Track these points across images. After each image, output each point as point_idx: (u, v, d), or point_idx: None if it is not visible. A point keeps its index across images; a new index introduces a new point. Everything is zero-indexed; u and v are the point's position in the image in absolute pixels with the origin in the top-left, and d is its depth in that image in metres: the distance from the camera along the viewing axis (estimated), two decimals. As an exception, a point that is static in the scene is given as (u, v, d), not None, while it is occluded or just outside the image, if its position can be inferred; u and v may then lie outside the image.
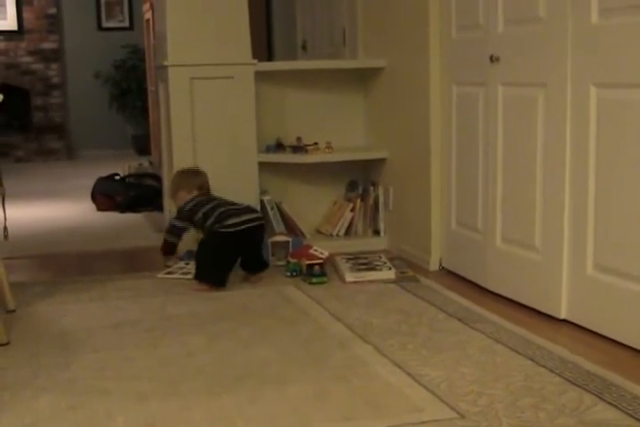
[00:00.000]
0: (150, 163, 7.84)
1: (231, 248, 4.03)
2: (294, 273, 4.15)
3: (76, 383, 2.78)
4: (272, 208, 4.79)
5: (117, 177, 6.93)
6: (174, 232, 4.20)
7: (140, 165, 7.44)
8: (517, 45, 3.54)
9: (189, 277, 4.16)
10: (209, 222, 4.03)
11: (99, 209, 6.56)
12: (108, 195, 6.59)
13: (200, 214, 4.07)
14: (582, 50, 3.15)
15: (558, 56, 3.26)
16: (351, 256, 4.37)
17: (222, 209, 4.05)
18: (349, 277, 4.03)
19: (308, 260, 4.11)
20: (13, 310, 3.66)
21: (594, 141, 3.13)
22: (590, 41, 3.10)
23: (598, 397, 2.56)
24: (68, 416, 2.51)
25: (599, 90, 3.08)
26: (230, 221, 3.99)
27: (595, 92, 3.10)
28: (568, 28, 3.20)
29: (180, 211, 4.19)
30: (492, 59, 3.69)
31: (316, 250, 4.26)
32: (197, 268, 4.04)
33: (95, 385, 2.76)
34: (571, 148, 3.26)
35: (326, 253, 4.23)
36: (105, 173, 7.09)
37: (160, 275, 4.26)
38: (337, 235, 4.93)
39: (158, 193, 5.91)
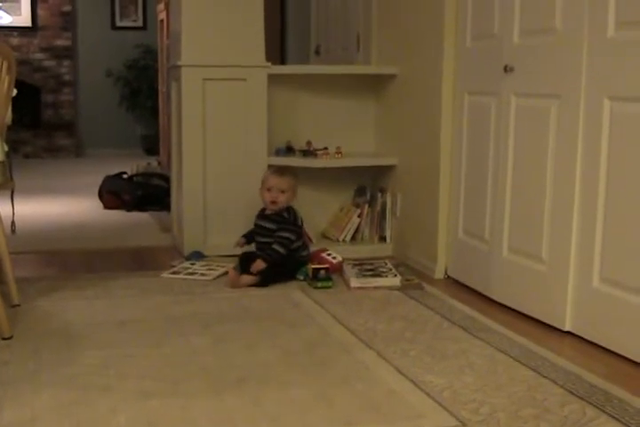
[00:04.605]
0: (158, 163, 7.86)
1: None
2: (308, 276, 4.14)
3: (78, 380, 2.78)
4: (279, 211, 4.80)
5: (125, 176, 6.94)
6: (287, 245, 4.20)
7: (149, 164, 7.46)
8: (532, 56, 3.53)
9: (195, 277, 4.19)
10: (297, 244, 4.23)
11: (105, 207, 6.58)
12: (115, 193, 6.60)
13: (297, 232, 4.27)
14: (597, 62, 3.15)
15: (573, 68, 3.26)
16: (357, 262, 4.37)
17: (303, 239, 4.33)
18: (355, 282, 4.03)
19: (313, 264, 4.11)
20: (18, 305, 3.66)
21: (605, 154, 3.13)
22: (606, 54, 3.10)
23: (601, 409, 2.55)
24: (70, 412, 2.51)
25: (613, 103, 3.08)
26: (305, 253, 4.29)
27: (608, 105, 3.10)
28: (584, 41, 3.20)
29: (293, 223, 4.25)
30: (506, 69, 3.68)
31: (329, 254, 4.28)
32: (269, 273, 4.10)
33: (97, 382, 2.76)
34: (581, 160, 3.25)
35: (339, 258, 4.25)
36: (113, 171, 7.10)
37: (165, 274, 4.27)
38: (343, 240, 4.92)
39: (166, 193, 5.92)
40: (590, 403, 2.60)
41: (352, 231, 4.94)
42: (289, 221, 4.23)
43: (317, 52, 6.34)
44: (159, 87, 8.64)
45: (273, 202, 4.23)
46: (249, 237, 4.35)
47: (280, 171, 4.33)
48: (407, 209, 4.69)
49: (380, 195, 4.90)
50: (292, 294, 3.94)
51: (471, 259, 4.08)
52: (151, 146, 10.46)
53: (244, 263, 4.17)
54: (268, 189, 4.24)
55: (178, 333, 3.32)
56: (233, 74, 4.66)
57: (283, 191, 4.23)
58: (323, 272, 4.05)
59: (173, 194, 5.09)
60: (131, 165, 7.27)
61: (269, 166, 4.53)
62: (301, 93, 5.01)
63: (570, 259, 3.33)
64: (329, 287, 4.03)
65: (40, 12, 10.78)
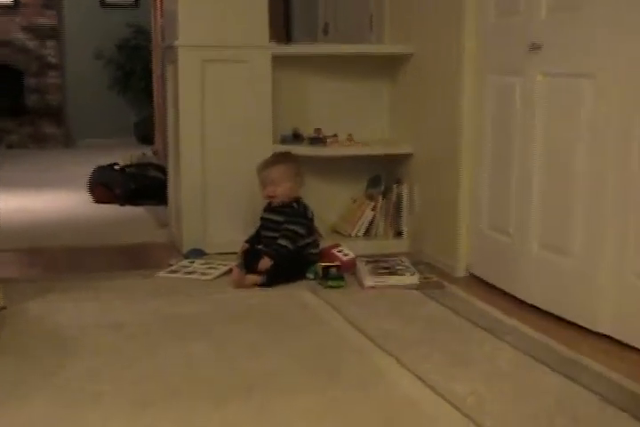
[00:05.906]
0: (154, 152, 7.86)
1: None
2: (318, 275, 4.13)
3: (68, 386, 2.80)
4: (286, 204, 4.80)
5: (116, 167, 6.92)
6: (296, 240, 4.20)
7: (144, 154, 7.46)
8: (561, 33, 3.53)
9: (194, 277, 4.20)
10: (307, 241, 4.24)
11: (96, 201, 6.59)
12: (106, 186, 6.60)
13: (307, 226, 4.27)
14: (632, 39, 3.13)
15: (606, 45, 3.25)
16: (371, 259, 4.37)
17: (314, 235, 4.33)
18: (369, 281, 4.03)
19: (323, 262, 4.11)
20: (4, 308, 3.68)
21: (641, 139, 3.12)
22: (641, 30, 3.09)
23: (637, 419, 2.54)
24: (62, 419, 2.53)
25: (650, 83, 3.08)
26: (316, 251, 4.29)
27: (645, 85, 3.10)
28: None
29: (303, 215, 4.26)
30: (532, 47, 3.68)
31: (340, 251, 4.28)
32: (276, 272, 4.08)
33: (89, 389, 2.77)
34: (616, 146, 3.24)
35: (352, 255, 4.25)
36: (104, 162, 7.10)
37: (162, 274, 4.28)
38: (356, 235, 4.92)
39: (162, 185, 5.92)
40: (625, 411, 2.60)
41: (365, 226, 4.94)
42: (298, 213, 4.24)
43: (325, 32, 6.33)
44: (153, 69, 8.64)
45: (270, 197, 4.25)
46: (252, 242, 4.34)
47: (267, 162, 4.34)
48: (425, 201, 4.69)
49: (395, 186, 4.89)
50: (300, 294, 3.95)
51: (495, 255, 4.08)
52: (145, 134, 10.46)
53: (249, 261, 4.17)
54: (263, 186, 4.26)
55: (176, 337, 3.33)
56: (234, 55, 4.65)
57: (275, 183, 4.24)
58: (334, 270, 4.05)
59: (170, 186, 5.09)
60: (124, 156, 7.26)
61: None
62: (309, 76, 5.00)
63: (604, 254, 3.32)
64: (341, 287, 4.03)
65: (22, -13, 10.80)
